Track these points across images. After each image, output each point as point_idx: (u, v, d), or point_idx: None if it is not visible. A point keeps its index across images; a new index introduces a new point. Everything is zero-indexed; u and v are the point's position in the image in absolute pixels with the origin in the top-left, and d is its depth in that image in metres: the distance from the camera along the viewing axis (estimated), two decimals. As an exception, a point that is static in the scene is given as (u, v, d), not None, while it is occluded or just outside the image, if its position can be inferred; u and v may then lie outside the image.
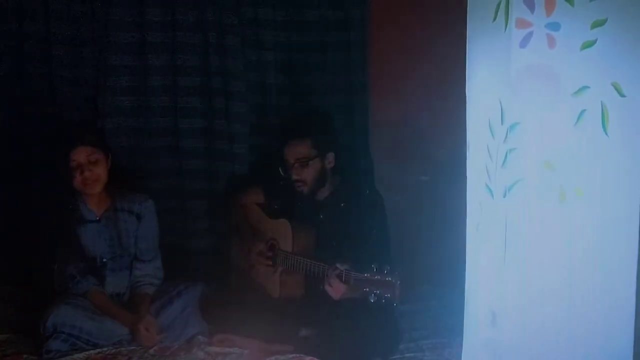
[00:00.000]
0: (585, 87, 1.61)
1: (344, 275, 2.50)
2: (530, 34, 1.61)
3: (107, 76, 3.18)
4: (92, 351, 2.60)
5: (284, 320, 2.71)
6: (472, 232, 1.88)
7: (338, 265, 2.54)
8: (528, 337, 1.73)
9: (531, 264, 1.69)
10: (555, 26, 1.60)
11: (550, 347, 1.72)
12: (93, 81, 3.21)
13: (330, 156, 2.83)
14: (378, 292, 2.37)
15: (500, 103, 1.67)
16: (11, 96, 3.20)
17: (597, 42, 1.59)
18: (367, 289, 2.39)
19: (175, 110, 3.25)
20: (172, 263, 3.03)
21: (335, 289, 2.54)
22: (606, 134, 1.62)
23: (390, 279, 2.36)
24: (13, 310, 2.93)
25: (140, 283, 2.86)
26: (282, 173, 2.84)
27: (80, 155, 2.73)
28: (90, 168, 2.74)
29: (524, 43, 1.61)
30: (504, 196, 1.68)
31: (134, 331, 2.67)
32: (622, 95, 1.61)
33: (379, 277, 2.38)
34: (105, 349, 2.63)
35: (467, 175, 1.88)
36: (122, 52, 3.18)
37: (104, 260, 2.83)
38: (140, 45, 3.19)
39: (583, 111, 1.62)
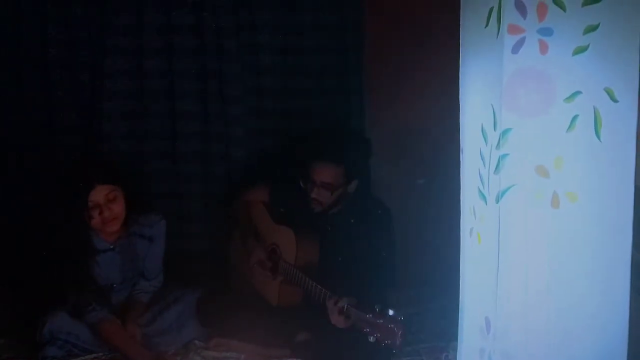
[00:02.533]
0: (577, 93, 1.61)
1: (345, 309, 2.42)
2: (523, 39, 1.60)
3: (104, 80, 3.18)
4: (87, 356, 2.61)
5: (281, 324, 2.71)
6: (465, 238, 1.88)
7: (340, 297, 2.45)
8: (522, 342, 1.73)
9: (525, 269, 1.69)
10: (547, 31, 1.60)
11: (544, 351, 1.72)
12: (90, 85, 3.21)
13: (354, 184, 2.74)
14: (378, 335, 2.26)
15: (493, 108, 1.66)
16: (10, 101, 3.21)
17: (590, 47, 1.59)
18: (368, 330, 2.29)
19: (173, 114, 3.25)
20: (169, 267, 3.03)
21: (337, 322, 2.46)
22: (599, 139, 1.62)
23: (392, 326, 2.22)
24: (11, 315, 2.93)
25: (137, 291, 2.87)
26: (302, 185, 2.74)
27: (99, 195, 2.63)
28: (109, 207, 2.65)
29: (516, 48, 1.61)
30: (497, 202, 1.67)
31: None
32: (615, 101, 1.61)
33: (381, 321, 2.25)
34: (100, 354, 2.64)
35: (461, 180, 1.89)
36: (119, 56, 3.18)
37: (114, 285, 2.81)
38: (137, 49, 3.19)
39: (576, 116, 1.61)
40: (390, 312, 2.24)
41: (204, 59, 3.21)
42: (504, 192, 1.66)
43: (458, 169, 1.91)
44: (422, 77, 3.15)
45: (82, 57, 3.19)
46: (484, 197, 1.74)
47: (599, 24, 1.59)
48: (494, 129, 1.66)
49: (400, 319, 2.23)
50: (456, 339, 2.00)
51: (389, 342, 2.23)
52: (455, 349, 2.02)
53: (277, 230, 2.85)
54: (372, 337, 2.27)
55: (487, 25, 1.67)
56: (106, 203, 2.65)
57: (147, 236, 2.84)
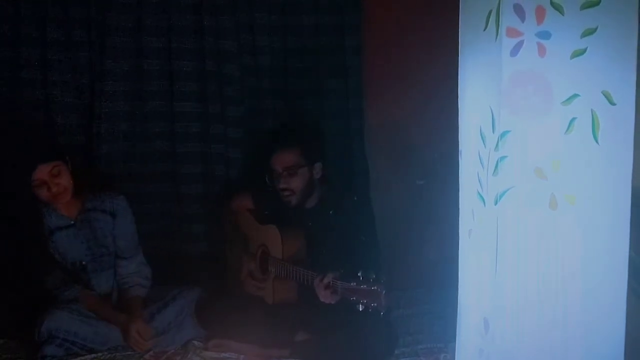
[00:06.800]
0: (575, 95, 1.62)
1: (331, 284, 2.49)
2: (521, 42, 1.61)
3: (103, 81, 3.18)
4: (87, 356, 2.61)
5: (280, 325, 2.71)
6: (464, 239, 1.89)
7: (326, 274, 2.51)
8: (520, 343, 1.73)
9: (522, 271, 1.70)
10: (545, 35, 1.61)
11: (542, 352, 1.73)
12: (89, 86, 3.21)
13: (318, 166, 2.83)
14: (365, 301, 2.34)
15: (492, 111, 1.67)
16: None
17: (587, 50, 1.60)
18: (354, 298, 2.37)
19: (171, 115, 3.25)
20: (167, 267, 3.04)
21: (325, 298, 2.52)
22: (596, 141, 1.63)
23: (375, 288, 2.32)
24: (9, 315, 2.93)
25: (128, 284, 2.85)
26: (268, 182, 2.84)
27: (42, 173, 2.67)
28: (55, 182, 2.69)
29: (514, 51, 1.62)
30: (496, 204, 1.68)
31: (126, 334, 2.67)
32: (612, 104, 1.63)
33: (365, 286, 2.34)
34: (100, 353, 2.64)
35: (460, 182, 1.90)
36: (118, 57, 3.19)
37: (84, 263, 2.81)
38: (136, 50, 3.19)
39: (573, 119, 1.63)
40: (373, 276, 2.34)
41: (204, 60, 3.21)
42: (502, 194, 1.67)
43: (457, 171, 1.92)
44: (421, 78, 3.16)
45: (81, 58, 3.19)
46: (482, 199, 1.75)
47: (596, 28, 1.60)
48: (493, 131, 1.67)
49: (382, 281, 2.33)
50: (454, 340, 2.01)
51: (375, 304, 2.32)
52: (453, 350, 2.03)
53: (263, 230, 2.88)
54: (360, 305, 2.35)
55: (485, 28, 1.68)
56: (51, 179, 2.69)
57: (108, 211, 2.86)
